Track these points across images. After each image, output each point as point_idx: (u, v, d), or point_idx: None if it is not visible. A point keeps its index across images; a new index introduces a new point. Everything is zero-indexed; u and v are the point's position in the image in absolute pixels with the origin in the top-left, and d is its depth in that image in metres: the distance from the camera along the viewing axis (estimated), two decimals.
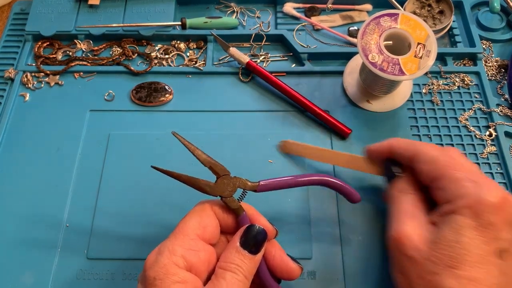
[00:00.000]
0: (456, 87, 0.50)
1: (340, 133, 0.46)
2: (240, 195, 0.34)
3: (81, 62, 0.52)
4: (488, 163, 0.45)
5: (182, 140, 0.34)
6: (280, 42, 0.54)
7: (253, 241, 0.31)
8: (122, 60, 0.52)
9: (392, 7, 0.52)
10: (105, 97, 0.49)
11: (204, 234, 0.31)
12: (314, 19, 0.55)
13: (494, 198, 0.29)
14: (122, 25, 0.52)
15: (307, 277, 0.39)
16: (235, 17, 0.56)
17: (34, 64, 0.52)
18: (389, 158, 0.38)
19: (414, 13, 0.53)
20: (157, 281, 0.28)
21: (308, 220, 0.42)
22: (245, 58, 0.50)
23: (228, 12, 0.57)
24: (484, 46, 0.53)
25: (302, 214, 0.42)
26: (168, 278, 0.28)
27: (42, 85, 0.50)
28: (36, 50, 0.52)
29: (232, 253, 0.30)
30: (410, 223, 0.32)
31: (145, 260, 0.30)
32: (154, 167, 0.33)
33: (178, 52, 0.53)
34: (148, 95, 0.49)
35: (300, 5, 0.56)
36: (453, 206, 0.30)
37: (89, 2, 0.54)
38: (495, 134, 0.47)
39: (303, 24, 0.55)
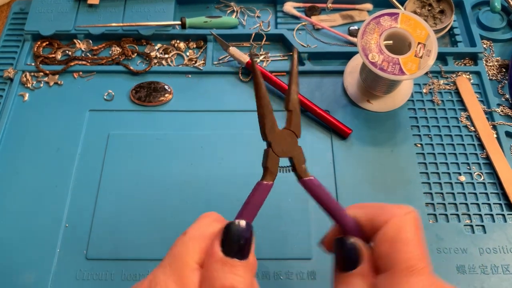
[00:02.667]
0: (456, 87, 0.50)
1: (340, 133, 0.46)
2: (285, 168, 0.28)
3: (80, 62, 0.52)
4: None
5: (295, 64, 0.27)
6: (280, 41, 0.54)
7: (238, 240, 0.24)
8: (121, 59, 0.52)
9: (393, 6, 0.52)
10: (105, 97, 0.49)
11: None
12: (314, 19, 0.55)
13: None
14: (121, 24, 0.52)
15: (307, 277, 0.39)
16: (235, 17, 0.56)
17: (33, 64, 0.52)
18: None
19: (415, 12, 0.52)
20: None
21: (308, 220, 0.42)
22: (245, 57, 0.50)
23: (228, 11, 0.56)
24: (484, 45, 0.53)
25: (302, 214, 0.42)
26: None
27: (42, 85, 0.50)
28: (36, 49, 0.52)
29: (217, 270, 0.23)
30: None
31: None
32: (251, 58, 0.27)
33: (177, 52, 0.53)
34: (147, 95, 0.49)
35: (300, 5, 0.56)
36: None
37: (89, 2, 0.54)
38: (496, 134, 0.47)
39: (303, 23, 0.55)
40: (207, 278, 0.23)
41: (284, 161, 0.28)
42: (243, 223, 0.24)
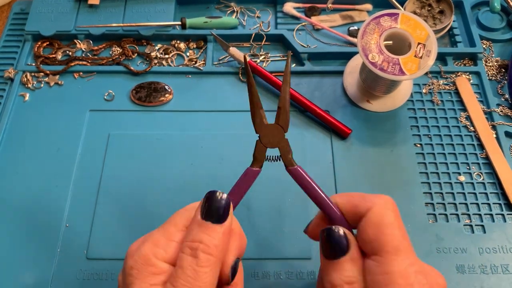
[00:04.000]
0: (456, 87, 0.50)
1: (340, 133, 0.46)
2: (273, 157, 0.31)
3: (81, 62, 0.52)
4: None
5: (288, 66, 0.30)
6: (280, 42, 0.54)
7: (216, 208, 0.27)
8: (122, 60, 0.52)
9: (392, 7, 0.52)
10: (105, 97, 0.49)
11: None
12: (314, 19, 0.55)
13: None
14: (122, 25, 0.52)
15: (307, 277, 0.39)
16: (235, 17, 0.56)
17: (33, 64, 0.52)
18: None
19: (414, 13, 0.52)
20: (133, 270, 0.26)
21: (308, 220, 0.42)
22: None
23: (228, 12, 0.57)
24: (484, 46, 0.53)
25: (302, 214, 0.42)
26: (145, 268, 0.26)
27: (42, 85, 0.50)
28: (36, 50, 0.52)
29: (194, 229, 0.27)
30: None
31: (128, 247, 0.29)
32: (245, 60, 0.31)
33: (178, 52, 0.53)
34: (148, 95, 0.49)
35: (300, 5, 0.56)
36: None
37: (89, 2, 0.54)
38: (495, 134, 0.47)
39: (303, 24, 0.55)
40: (186, 235, 0.27)
41: (274, 152, 0.31)
42: (220, 194, 0.28)
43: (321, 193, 0.30)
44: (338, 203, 0.30)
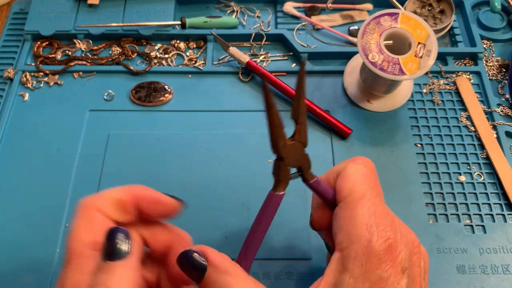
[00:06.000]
0: (456, 87, 0.50)
1: (340, 133, 0.46)
2: (294, 175, 0.29)
3: (80, 62, 0.52)
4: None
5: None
6: (280, 41, 0.54)
7: (114, 247, 0.25)
8: (121, 59, 0.52)
9: (393, 6, 0.52)
10: (105, 97, 0.49)
11: (100, 244, 0.26)
12: (314, 19, 0.55)
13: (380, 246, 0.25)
14: (121, 24, 0.52)
15: (307, 277, 0.39)
16: (235, 17, 0.56)
17: (33, 64, 0.51)
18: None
19: (415, 12, 0.52)
20: None
21: (308, 220, 0.42)
22: (245, 57, 0.50)
23: (228, 11, 0.56)
24: (484, 45, 0.53)
25: (301, 214, 0.42)
26: None
27: (41, 85, 0.50)
28: (35, 49, 0.52)
29: (97, 274, 0.24)
30: None
31: None
32: (264, 83, 0.26)
33: (177, 52, 0.53)
34: (147, 94, 0.49)
35: (300, 5, 0.56)
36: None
37: (89, 2, 0.54)
38: (496, 134, 0.47)
39: (303, 23, 0.55)
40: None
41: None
42: (115, 228, 0.25)
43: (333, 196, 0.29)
44: (326, 180, 0.30)
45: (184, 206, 0.29)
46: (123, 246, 0.25)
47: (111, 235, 0.25)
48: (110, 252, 0.25)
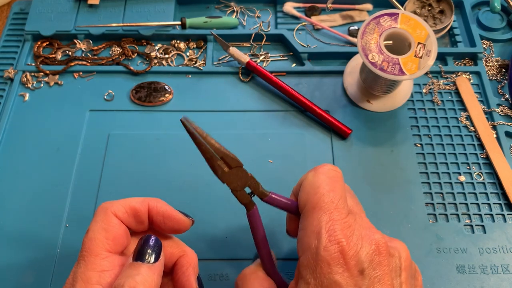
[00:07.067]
0: (456, 87, 0.50)
1: (340, 133, 0.46)
2: (249, 194, 0.32)
3: (80, 62, 0.52)
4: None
5: (191, 126, 0.31)
6: (280, 41, 0.54)
7: (147, 251, 0.28)
8: (121, 59, 0.52)
9: (392, 6, 0.52)
10: (105, 97, 0.49)
11: (114, 246, 0.29)
12: (314, 19, 0.55)
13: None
14: (121, 24, 0.52)
15: None
16: (235, 17, 0.56)
17: (33, 64, 0.52)
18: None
19: (415, 12, 0.52)
20: None
21: None
22: (245, 57, 0.50)
23: (228, 11, 0.56)
24: (484, 46, 0.53)
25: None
26: None
27: (42, 85, 0.50)
28: (36, 50, 0.52)
29: (125, 269, 0.27)
30: None
31: None
32: (183, 122, 0.30)
33: (178, 52, 0.53)
34: (147, 95, 0.49)
35: (300, 5, 0.56)
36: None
37: (89, 2, 0.54)
38: (496, 134, 0.47)
39: (303, 23, 0.55)
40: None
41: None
42: (151, 237, 0.29)
43: (292, 202, 0.32)
44: (294, 192, 0.32)
45: (193, 223, 0.32)
46: (154, 252, 0.28)
47: (146, 240, 0.28)
48: (142, 255, 0.27)
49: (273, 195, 0.32)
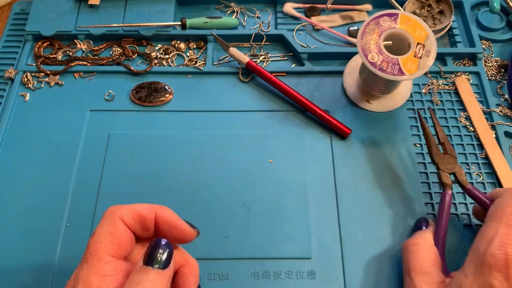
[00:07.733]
0: (456, 87, 0.50)
1: (340, 133, 0.46)
2: (452, 181, 0.39)
3: (81, 62, 0.52)
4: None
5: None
6: (280, 42, 0.54)
7: (158, 256, 0.28)
8: (122, 60, 0.52)
9: (392, 7, 0.52)
10: (105, 97, 0.49)
11: (118, 251, 0.29)
12: (314, 19, 0.55)
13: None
14: (122, 25, 0.52)
15: (307, 277, 0.39)
16: (235, 17, 0.56)
17: (34, 64, 0.52)
18: None
19: (414, 13, 0.53)
20: None
21: (308, 220, 0.42)
22: (245, 58, 0.50)
23: (228, 12, 0.57)
24: (484, 46, 0.53)
25: (302, 214, 0.42)
26: None
27: (42, 85, 0.50)
28: (36, 50, 0.52)
29: (135, 274, 0.27)
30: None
31: None
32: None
33: (178, 52, 0.53)
34: (148, 95, 0.49)
35: (300, 5, 0.56)
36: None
37: (89, 2, 0.54)
38: (495, 134, 0.47)
39: (303, 24, 0.55)
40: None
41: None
42: (163, 242, 0.29)
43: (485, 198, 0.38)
44: (491, 195, 0.38)
45: (198, 235, 0.32)
46: (164, 257, 0.28)
47: (157, 245, 0.28)
48: (152, 259, 0.27)
49: (471, 188, 0.38)
